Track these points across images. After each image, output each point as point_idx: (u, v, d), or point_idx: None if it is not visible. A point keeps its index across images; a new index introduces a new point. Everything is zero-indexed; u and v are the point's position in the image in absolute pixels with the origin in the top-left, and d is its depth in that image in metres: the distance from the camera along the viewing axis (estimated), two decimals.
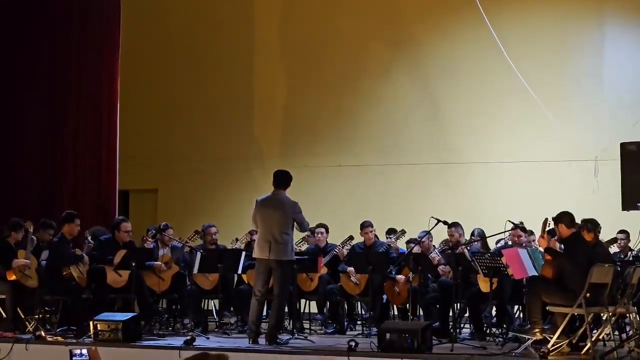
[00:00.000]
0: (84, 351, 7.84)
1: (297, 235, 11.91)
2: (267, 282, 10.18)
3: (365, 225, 11.80)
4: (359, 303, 12.37)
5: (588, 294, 8.78)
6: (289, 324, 11.39)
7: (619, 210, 11.58)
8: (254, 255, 10.31)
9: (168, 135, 15.87)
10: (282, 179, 10.34)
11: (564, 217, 9.38)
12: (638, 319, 9.74)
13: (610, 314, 9.05)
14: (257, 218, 10.23)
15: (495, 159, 14.25)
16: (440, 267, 11.14)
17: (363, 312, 12.43)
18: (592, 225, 9.77)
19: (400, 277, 11.17)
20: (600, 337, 9.43)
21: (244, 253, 11.45)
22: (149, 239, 11.55)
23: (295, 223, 10.21)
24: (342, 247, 11.75)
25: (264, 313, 10.83)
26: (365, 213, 12.60)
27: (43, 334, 10.26)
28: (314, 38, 15.34)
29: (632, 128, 13.29)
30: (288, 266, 10.21)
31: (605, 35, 14.24)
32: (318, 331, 11.79)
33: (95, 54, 14.15)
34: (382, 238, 12.14)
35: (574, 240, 9.33)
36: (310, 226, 11.81)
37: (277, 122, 15.61)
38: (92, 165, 13.98)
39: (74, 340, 10.10)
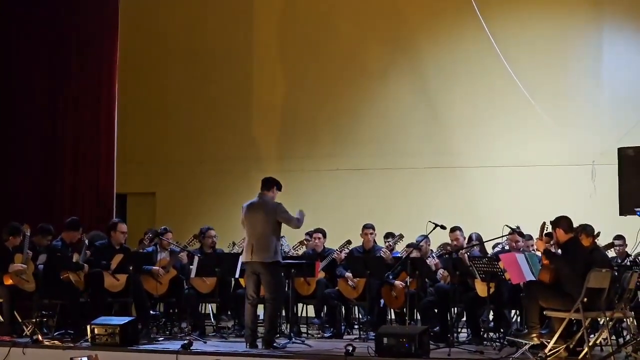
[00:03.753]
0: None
1: (295, 239, 11.95)
2: (257, 285, 10.19)
3: (366, 227, 11.86)
4: (356, 307, 12.37)
5: (585, 299, 8.79)
6: (286, 328, 11.38)
7: (616, 215, 11.57)
8: (242, 260, 10.33)
9: (165, 138, 15.88)
10: (267, 182, 10.37)
11: (562, 222, 9.36)
12: (635, 323, 9.75)
13: (608, 318, 9.05)
14: (244, 223, 10.27)
15: (493, 163, 14.26)
16: (439, 272, 11.14)
17: (360, 316, 12.42)
18: (589, 230, 9.76)
19: (399, 282, 11.17)
20: (598, 341, 9.44)
21: (241, 257, 11.44)
22: (145, 242, 11.54)
23: (284, 224, 10.21)
24: (340, 252, 11.76)
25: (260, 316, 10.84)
26: (363, 217, 12.61)
27: (40, 337, 10.27)
28: (312, 40, 15.35)
29: (630, 132, 13.29)
30: (273, 268, 10.15)
31: (604, 39, 14.26)
32: (315, 335, 11.81)
33: (93, 56, 14.09)
34: (380, 242, 12.15)
35: (572, 245, 9.32)
36: (308, 230, 11.82)
37: (275, 124, 15.61)
38: (90, 169, 13.93)
39: (72, 344, 10.11)
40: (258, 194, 10.34)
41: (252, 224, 10.18)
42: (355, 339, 11.15)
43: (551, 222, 9.42)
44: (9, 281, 10.89)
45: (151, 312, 11.61)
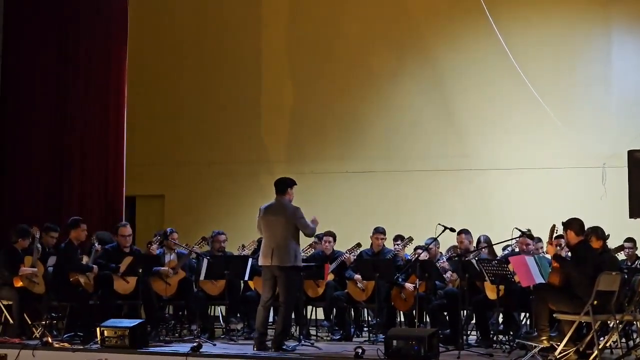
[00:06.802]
0: None
1: (305, 242, 11.93)
2: (273, 289, 10.17)
3: (377, 231, 11.81)
4: (365, 310, 12.36)
5: (595, 302, 8.76)
6: (296, 330, 11.37)
7: (626, 218, 11.55)
8: (259, 263, 10.31)
9: (174, 141, 15.88)
10: (280, 185, 10.34)
11: (573, 224, 9.31)
12: None
13: (618, 321, 9.02)
14: (261, 225, 10.25)
15: (503, 166, 14.23)
16: (447, 274, 11.13)
17: (370, 319, 12.41)
18: (600, 232, 9.73)
19: (409, 285, 11.16)
20: (608, 344, 9.41)
21: (250, 260, 11.45)
22: (154, 245, 11.55)
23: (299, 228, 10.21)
24: (349, 255, 11.75)
25: (270, 319, 10.83)
26: (372, 219, 12.60)
27: (50, 339, 10.27)
28: (321, 43, 15.35)
29: None
30: (292, 272, 10.14)
31: (613, 42, 14.24)
32: (325, 338, 11.79)
33: (102, 59, 14.12)
34: (390, 244, 12.14)
35: (582, 248, 9.29)
36: (318, 233, 11.79)
37: (284, 127, 15.61)
38: (99, 171, 13.95)
39: (81, 347, 10.11)
40: (275, 197, 10.31)
41: (271, 228, 10.14)
42: (365, 341, 11.13)
43: (563, 224, 9.39)
44: (19, 283, 10.93)
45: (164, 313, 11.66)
